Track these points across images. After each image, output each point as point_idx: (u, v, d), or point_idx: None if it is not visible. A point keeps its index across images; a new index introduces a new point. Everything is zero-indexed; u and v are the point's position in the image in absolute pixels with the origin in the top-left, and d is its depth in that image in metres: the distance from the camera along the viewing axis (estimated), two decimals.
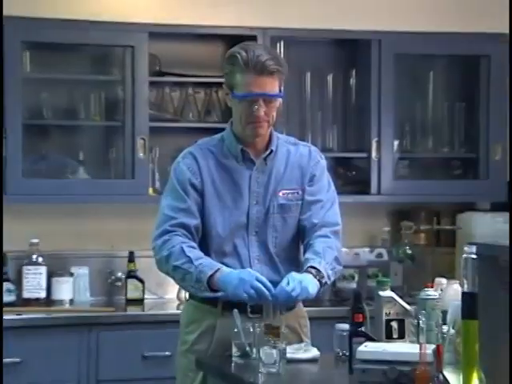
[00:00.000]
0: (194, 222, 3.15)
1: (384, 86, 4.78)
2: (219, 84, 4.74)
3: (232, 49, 3.15)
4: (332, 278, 3.16)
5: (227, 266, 3.13)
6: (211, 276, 3.02)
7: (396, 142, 4.88)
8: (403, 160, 4.97)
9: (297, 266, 3.24)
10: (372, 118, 4.79)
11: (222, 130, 4.77)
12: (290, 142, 3.29)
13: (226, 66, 3.15)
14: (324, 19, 4.68)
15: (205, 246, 3.18)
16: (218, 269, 3.04)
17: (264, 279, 2.99)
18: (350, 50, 4.93)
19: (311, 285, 3.04)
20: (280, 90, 3.14)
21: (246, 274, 3.01)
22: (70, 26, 4.43)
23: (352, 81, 4.93)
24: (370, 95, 4.80)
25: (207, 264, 3.06)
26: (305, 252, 3.21)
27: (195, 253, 3.09)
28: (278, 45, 4.75)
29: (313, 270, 3.07)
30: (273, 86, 3.09)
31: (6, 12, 4.33)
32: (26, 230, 4.59)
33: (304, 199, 3.22)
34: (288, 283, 3.01)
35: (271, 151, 3.21)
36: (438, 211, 5.10)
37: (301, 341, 3.22)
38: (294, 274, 3.06)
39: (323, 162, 3.29)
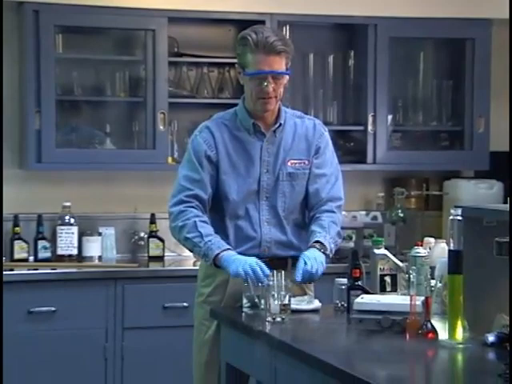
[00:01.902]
0: (207, 193, 3.15)
1: (379, 66, 4.75)
2: (231, 64, 4.76)
3: (243, 31, 3.15)
4: (333, 251, 3.18)
5: (240, 227, 3.16)
6: (217, 254, 3.05)
7: (390, 117, 4.86)
8: (396, 133, 4.95)
9: (302, 227, 3.25)
10: (368, 95, 4.77)
11: (234, 105, 4.76)
12: (296, 116, 3.28)
13: (238, 47, 3.14)
14: (326, 5, 4.64)
15: (220, 210, 3.19)
16: (225, 249, 3.06)
17: (264, 266, 3.00)
18: (349, 34, 4.90)
19: (323, 258, 3.08)
20: (287, 68, 3.13)
21: (250, 259, 3.03)
22: (98, 11, 4.40)
23: (350, 61, 4.90)
24: (366, 74, 4.78)
25: (215, 243, 3.07)
26: (310, 223, 3.21)
27: (206, 229, 3.10)
28: (284, 29, 4.72)
29: (317, 245, 3.10)
30: (280, 64, 3.09)
31: None
32: (60, 194, 4.59)
33: (311, 170, 3.22)
34: (305, 263, 3.02)
35: (280, 124, 3.20)
36: (427, 178, 5.08)
37: (305, 294, 3.23)
38: (306, 253, 3.06)
39: (327, 135, 3.29)
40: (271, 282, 2.94)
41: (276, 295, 2.92)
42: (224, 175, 3.16)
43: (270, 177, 3.18)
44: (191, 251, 3.27)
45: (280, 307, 2.92)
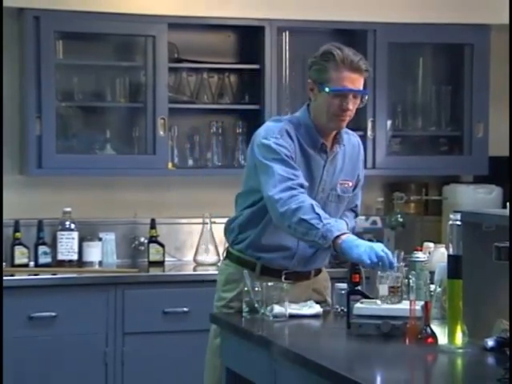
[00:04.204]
0: (307, 184, 3.05)
1: (378, 71, 4.75)
2: (231, 70, 4.79)
3: (325, 47, 3.09)
4: None
5: (278, 236, 3.09)
6: (338, 236, 2.91)
7: (389, 122, 4.86)
8: (395, 138, 4.95)
9: None
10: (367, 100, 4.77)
11: (234, 110, 4.81)
12: (344, 132, 3.20)
13: (320, 62, 3.06)
14: (325, 11, 4.64)
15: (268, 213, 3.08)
16: (346, 232, 2.95)
17: (388, 252, 2.90)
18: (348, 40, 4.86)
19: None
20: (364, 88, 3.10)
21: (375, 245, 2.92)
22: (98, 17, 4.41)
23: None
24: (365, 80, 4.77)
25: (335, 225, 2.95)
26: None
27: (323, 212, 2.97)
28: (284, 34, 4.73)
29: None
30: (361, 83, 3.06)
31: (41, 5, 4.33)
32: (60, 199, 4.59)
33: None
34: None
35: (343, 146, 3.16)
36: (427, 183, 5.08)
37: (325, 301, 3.25)
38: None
39: (362, 148, 3.28)
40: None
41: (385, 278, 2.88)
42: None
43: (323, 196, 3.14)
44: (300, 237, 3.01)
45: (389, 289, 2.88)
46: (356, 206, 3.30)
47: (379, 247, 2.89)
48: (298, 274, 3.16)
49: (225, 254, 3.29)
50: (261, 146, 3.07)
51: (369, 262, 2.87)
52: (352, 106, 3.05)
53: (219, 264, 3.31)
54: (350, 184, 3.21)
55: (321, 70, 3.06)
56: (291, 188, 2.98)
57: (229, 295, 3.19)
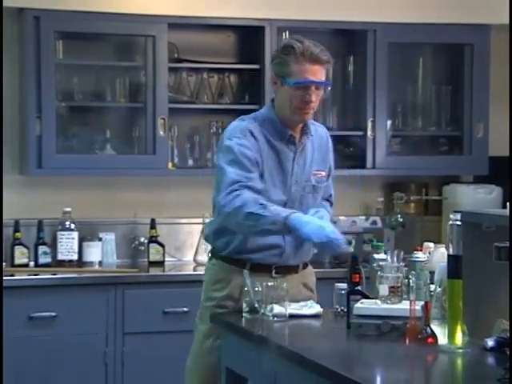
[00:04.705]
0: (261, 185, 3.05)
1: (378, 71, 4.76)
2: (231, 69, 4.79)
3: (285, 40, 3.14)
4: None
5: (268, 237, 3.10)
6: (287, 216, 2.92)
7: (389, 122, 4.86)
8: (395, 138, 4.95)
9: None
10: (368, 100, 4.77)
11: (234, 110, 4.81)
12: (311, 123, 3.22)
13: (281, 55, 3.08)
14: (325, 11, 4.64)
15: None
16: (294, 212, 2.96)
17: (338, 233, 2.92)
18: (348, 39, 4.90)
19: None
20: (327, 80, 3.11)
21: (325, 224, 2.94)
22: (98, 17, 4.41)
23: (350, 67, 4.90)
24: (365, 80, 4.78)
25: (282, 209, 2.98)
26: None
27: (268, 202, 2.98)
28: (284, 34, 4.72)
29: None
30: (322, 75, 3.07)
31: (41, 5, 4.33)
32: (60, 199, 4.59)
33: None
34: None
35: (311, 136, 3.18)
36: (427, 183, 5.09)
37: (314, 297, 3.27)
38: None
39: (330, 139, 3.31)
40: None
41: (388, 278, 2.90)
42: (264, 182, 3.09)
43: (298, 188, 3.16)
44: (251, 230, 3.02)
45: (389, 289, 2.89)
46: (330, 195, 3.34)
47: (329, 227, 2.93)
48: (287, 267, 3.17)
49: (210, 254, 3.28)
50: (223, 148, 3.11)
51: (317, 240, 2.91)
52: (315, 97, 3.07)
53: (206, 263, 3.30)
54: (323, 174, 3.23)
55: (282, 64, 3.07)
56: (236, 190, 2.99)
57: (219, 294, 3.17)
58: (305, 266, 3.27)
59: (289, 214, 2.95)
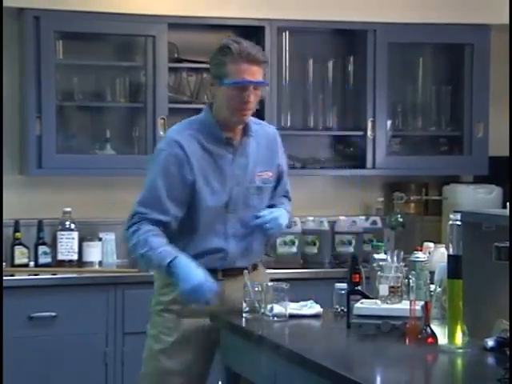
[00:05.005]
0: (166, 217, 3.04)
1: (378, 71, 4.76)
2: None
3: (222, 41, 3.08)
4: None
5: (207, 241, 3.09)
6: (171, 262, 2.96)
7: (389, 122, 4.87)
8: (395, 138, 4.95)
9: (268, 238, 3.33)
10: (368, 100, 4.78)
11: None
12: (254, 122, 3.19)
13: (217, 56, 3.06)
14: (325, 11, 4.64)
15: (190, 224, 3.08)
16: (176, 257, 2.97)
17: (212, 284, 2.96)
18: (348, 39, 4.91)
19: (284, 220, 3.17)
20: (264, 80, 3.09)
21: (199, 278, 2.95)
22: (98, 17, 4.41)
23: (350, 67, 4.90)
24: (365, 80, 4.78)
25: (168, 251, 2.98)
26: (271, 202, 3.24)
27: (157, 242, 3.00)
28: (284, 34, 4.73)
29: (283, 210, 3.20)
30: (260, 75, 3.04)
31: (41, 5, 4.33)
32: (60, 199, 4.59)
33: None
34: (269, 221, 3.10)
35: (251, 137, 3.14)
36: (427, 183, 5.09)
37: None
38: (275, 213, 3.13)
39: (280, 139, 3.27)
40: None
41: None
42: (199, 190, 3.05)
43: (240, 190, 3.12)
44: (150, 268, 3.20)
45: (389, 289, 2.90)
46: (287, 191, 3.33)
47: (205, 288, 2.94)
48: (234, 270, 3.14)
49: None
50: (152, 157, 3.12)
51: (184, 299, 2.99)
52: (253, 97, 3.03)
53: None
54: (270, 174, 3.18)
55: (219, 65, 3.05)
56: (135, 223, 3.04)
57: (166, 298, 3.14)
58: (254, 267, 3.21)
59: (171, 260, 2.96)
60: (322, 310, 3.15)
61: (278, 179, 3.25)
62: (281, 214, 3.17)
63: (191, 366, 3.13)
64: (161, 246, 3.01)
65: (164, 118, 4.53)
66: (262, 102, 4.63)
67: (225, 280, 3.13)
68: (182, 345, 3.11)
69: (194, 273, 2.96)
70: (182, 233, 3.10)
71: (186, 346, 3.11)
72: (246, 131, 3.14)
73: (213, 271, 3.08)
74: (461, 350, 2.58)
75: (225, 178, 3.10)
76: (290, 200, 3.36)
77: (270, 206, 3.22)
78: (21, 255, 4.47)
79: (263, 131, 3.20)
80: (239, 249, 3.14)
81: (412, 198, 4.99)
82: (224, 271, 3.14)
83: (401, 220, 4.83)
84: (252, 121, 3.18)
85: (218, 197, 3.09)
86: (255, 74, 3.02)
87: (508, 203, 2.79)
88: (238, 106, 3.04)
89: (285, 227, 3.24)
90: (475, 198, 4.82)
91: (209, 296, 2.97)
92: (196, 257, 3.06)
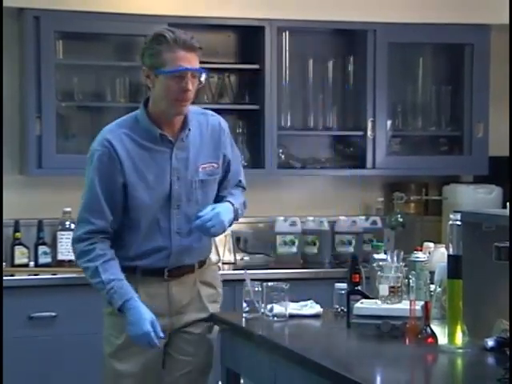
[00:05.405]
0: (108, 221, 2.99)
1: (378, 71, 4.76)
2: (231, 70, 4.79)
3: (156, 31, 2.99)
4: (239, 217, 3.15)
5: (150, 239, 3.02)
6: (121, 305, 2.96)
7: (389, 122, 4.86)
8: (395, 138, 4.95)
9: None
10: (368, 100, 4.77)
11: (234, 110, 4.81)
12: (199, 113, 3.10)
13: (151, 46, 2.95)
14: (325, 11, 4.64)
15: (130, 222, 3.02)
16: (126, 300, 2.95)
17: (158, 330, 2.95)
18: (348, 39, 4.91)
19: (228, 216, 3.04)
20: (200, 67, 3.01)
21: (149, 330, 2.94)
22: (98, 17, 4.41)
23: (350, 67, 4.90)
24: (365, 80, 4.78)
25: (118, 292, 2.96)
26: (219, 194, 3.15)
27: (108, 273, 2.96)
28: (284, 34, 4.73)
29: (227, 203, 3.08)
30: (197, 62, 2.97)
31: (41, 5, 4.33)
32: (60, 199, 4.58)
33: (223, 171, 3.15)
34: (210, 219, 2.98)
35: (189, 130, 3.04)
36: (427, 183, 5.09)
37: (217, 293, 3.20)
38: (217, 208, 3.00)
39: (227, 128, 3.17)
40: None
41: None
42: (133, 189, 2.98)
43: (182, 184, 3.02)
44: None
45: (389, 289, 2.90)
46: (240, 181, 3.22)
47: (152, 336, 2.93)
48: (180, 268, 3.07)
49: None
50: (87, 157, 3.03)
51: (131, 339, 2.98)
52: (191, 86, 2.94)
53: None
54: (215, 165, 3.09)
55: (154, 55, 2.95)
56: (84, 239, 3.00)
57: None
58: (201, 264, 3.14)
59: (122, 304, 2.95)
60: (321, 309, 3.15)
61: (226, 170, 3.15)
62: (224, 210, 3.03)
63: (144, 367, 3.07)
64: (111, 279, 2.96)
65: None
66: (262, 102, 4.66)
67: (171, 280, 3.06)
68: (131, 347, 3.05)
69: (143, 320, 2.93)
70: (124, 233, 3.03)
71: (136, 348, 3.04)
72: (184, 124, 3.04)
73: (159, 271, 3.03)
74: (461, 350, 2.59)
75: (162, 172, 2.99)
76: (244, 189, 3.24)
77: (219, 199, 3.12)
78: (21, 255, 4.47)
79: (207, 121, 3.11)
80: (183, 246, 3.05)
81: (412, 197, 4.99)
82: (170, 271, 3.05)
83: (401, 220, 4.83)
84: (196, 111, 3.09)
85: (154, 192, 2.99)
86: (192, 60, 2.94)
87: (508, 203, 2.79)
88: (178, 95, 2.94)
89: (229, 222, 3.06)
90: (475, 197, 4.82)
91: (155, 342, 2.95)
92: (140, 257, 3.02)
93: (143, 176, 2.99)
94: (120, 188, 2.99)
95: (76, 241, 3.05)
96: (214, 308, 3.16)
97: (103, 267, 2.98)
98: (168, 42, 2.92)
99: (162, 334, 2.97)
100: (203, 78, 3.00)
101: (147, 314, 2.96)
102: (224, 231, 3.09)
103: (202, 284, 3.13)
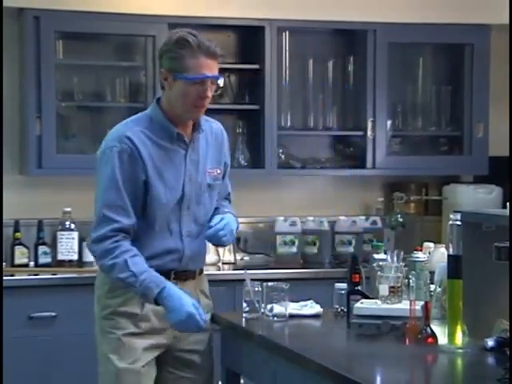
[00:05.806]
0: (131, 219, 2.91)
1: (378, 71, 4.76)
2: (231, 70, 4.79)
3: (177, 34, 2.94)
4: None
5: (162, 240, 2.98)
6: (159, 293, 2.85)
7: (389, 122, 4.87)
8: (395, 138, 4.95)
9: None
10: (368, 100, 4.77)
11: (234, 110, 4.82)
12: (204, 119, 3.08)
13: (174, 49, 2.90)
14: (325, 11, 4.64)
15: (145, 222, 2.96)
16: (164, 287, 2.86)
17: (202, 311, 2.87)
18: (348, 39, 4.91)
19: (234, 225, 3.05)
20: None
21: (194, 313, 2.85)
22: (98, 17, 4.41)
23: (350, 67, 4.91)
24: (365, 80, 4.78)
25: (153, 280, 2.86)
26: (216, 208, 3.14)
27: (138, 265, 2.87)
28: (284, 34, 4.73)
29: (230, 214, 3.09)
30: (217, 69, 2.95)
31: (41, 5, 4.34)
32: (60, 199, 4.59)
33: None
34: (222, 229, 2.98)
35: (202, 131, 3.03)
36: (427, 183, 5.09)
37: (211, 303, 3.15)
38: (226, 219, 3.00)
39: (226, 135, 3.17)
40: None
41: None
42: (153, 187, 2.93)
43: (193, 186, 3.00)
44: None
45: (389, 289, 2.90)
46: (229, 193, 3.22)
47: (198, 318, 2.84)
48: (186, 272, 3.04)
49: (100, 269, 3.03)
50: (100, 154, 2.95)
51: (177, 329, 2.88)
52: (210, 93, 2.92)
53: (99, 275, 3.08)
54: (219, 171, 3.09)
55: (176, 58, 2.89)
56: (108, 237, 2.88)
57: (117, 301, 2.98)
58: (200, 271, 3.12)
59: (159, 292, 2.85)
60: (321, 309, 3.15)
61: (222, 178, 3.14)
62: (231, 220, 3.04)
63: (146, 364, 2.98)
64: (142, 271, 2.87)
65: None
66: (262, 102, 4.66)
67: (176, 284, 2.98)
68: (131, 343, 2.96)
69: (184, 304, 2.85)
70: (139, 233, 2.97)
71: (136, 345, 2.95)
72: (196, 127, 3.03)
73: (167, 273, 2.98)
74: (461, 350, 2.59)
75: (178, 173, 2.97)
76: (230, 202, 3.23)
77: (215, 210, 3.11)
78: (21, 255, 4.47)
79: (211, 128, 3.10)
80: (193, 249, 3.03)
81: (412, 197, 4.99)
82: (176, 273, 3.01)
83: (401, 220, 4.83)
84: (202, 117, 3.08)
85: (171, 192, 2.96)
86: (213, 68, 2.91)
87: (508, 203, 2.79)
88: (196, 101, 2.92)
89: (236, 232, 3.09)
90: (475, 197, 4.83)
91: (201, 324, 2.87)
92: (154, 257, 2.97)
93: (162, 175, 2.96)
94: (141, 186, 2.94)
95: (98, 240, 2.91)
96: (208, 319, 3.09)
97: (132, 260, 2.87)
98: (192, 47, 2.88)
99: (205, 316, 2.90)
100: (221, 82, 2.99)
101: (187, 298, 2.88)
102: (233, 241, 3.07)
103: (200, 293, 3.10)
